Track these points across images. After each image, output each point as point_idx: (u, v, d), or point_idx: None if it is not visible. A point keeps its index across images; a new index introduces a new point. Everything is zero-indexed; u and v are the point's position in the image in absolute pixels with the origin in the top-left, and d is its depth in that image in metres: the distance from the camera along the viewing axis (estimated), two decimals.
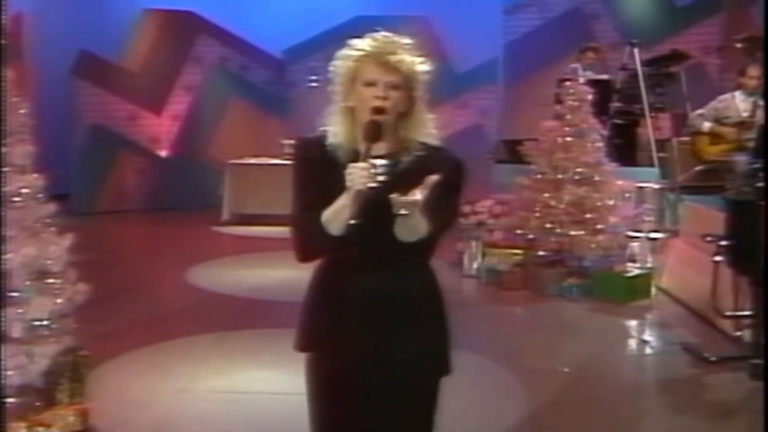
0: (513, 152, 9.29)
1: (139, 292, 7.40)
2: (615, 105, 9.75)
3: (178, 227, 10.87)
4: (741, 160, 6.76)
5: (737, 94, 7.91)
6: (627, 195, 7.95)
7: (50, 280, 4.14)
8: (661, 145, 9.22)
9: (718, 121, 7.93)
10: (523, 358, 5.82)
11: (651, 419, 4.89)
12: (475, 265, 7.83)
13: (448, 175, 2.42)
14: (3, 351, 3.89)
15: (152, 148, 12.19)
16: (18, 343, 3.96)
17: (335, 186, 2.37)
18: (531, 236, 7.66)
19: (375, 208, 2.31)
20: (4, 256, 3.95)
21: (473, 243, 7.89)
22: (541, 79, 11.39)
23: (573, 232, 7.49)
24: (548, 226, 7.57)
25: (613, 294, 7.18)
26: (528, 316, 7.16)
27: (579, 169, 7.59)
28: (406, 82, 2.45)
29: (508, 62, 12.80)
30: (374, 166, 2.32)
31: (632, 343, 6.46)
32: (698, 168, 8.26)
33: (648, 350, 6.23)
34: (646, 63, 9.56)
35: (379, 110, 2.42)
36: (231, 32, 12.55)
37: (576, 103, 7.74)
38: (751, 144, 6.74)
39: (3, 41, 4.16)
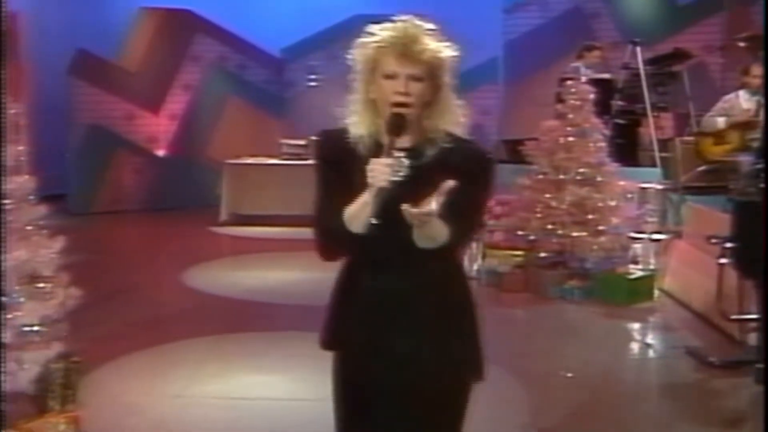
0: (514, 152, 9.22)
1: (135, 294, 7.32)
2: (617, 104, 9.69)
3: (176, 228, 10.80)
4: (745, 160, 6.69)
5: (741, 93, 7.85)
6: (629, 196, 7.87)
7: (41, 285, 4.06)
8: (664, 144, 9.17)
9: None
10: (524, 362, 5.73)
11: (654, 425, 4.82)
12: (475, 267, 7.75)
13: (474, 171, 2.33)
14: (3, 352, 3.81)
15: (150, 148, 12.11)
16: (8, 349, 3.88)
17: (358, 180, 2.27)
18: (532, 237, 7.59)
19: (397, 206, 2.19)
20: (3, 256, 3.87)
21: (473, 244, 7.81)
22: (541, 78, 11.33)
23: (575, 234, 7.42)
24: (549, 227, 7.50)
25: (616, 296, 7.10)
26: (529, 319, 7.08)
27: (581, 170, 7.52)
28: (429, 72, 2.32)
29: (509, 61, 12.74)
30: (398, 160, 2.21)
31: (635, 347, 6.38)
32: (701, 168, 8.19)
33: (651, 354, 6.16)
34: (648, 62, 9.51)
35: (400, 105, 2.30)
36: (229, 31, 12.47)
37: (578, 103, 7.66)
38: (756, 144, 6.68)
39: (3, 41, 4.09)
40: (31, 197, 4.16)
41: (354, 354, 2.49)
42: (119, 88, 11.80)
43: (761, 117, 7.42)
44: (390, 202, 2.21)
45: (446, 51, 2.36)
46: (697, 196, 7.84)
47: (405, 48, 2.30)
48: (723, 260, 5.61)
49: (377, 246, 2.35)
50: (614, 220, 7.52)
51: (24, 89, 10.19)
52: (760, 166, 5.40)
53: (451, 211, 2.21)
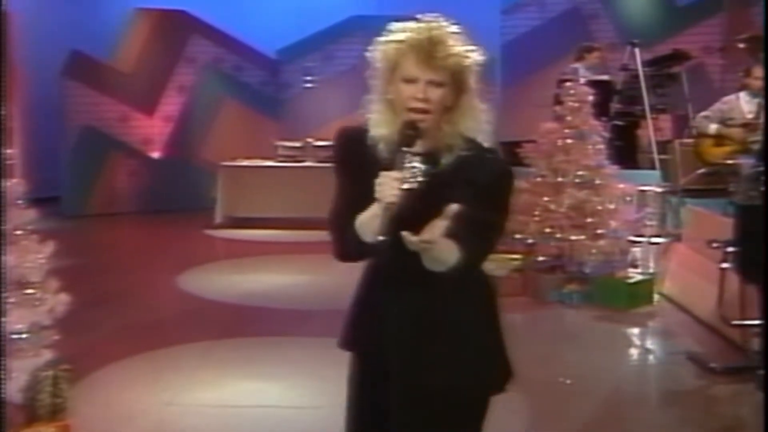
0: (511, 154, 9.13)
1: (128, 299, 7.24)
2: (615, 106, 9.63)
3: (170, 230, 10.73)
4: (746, 163, 6.61)
5: (742, 95, 7.76)
6: (628, 198, 7.81)
7: (30, 291, 3.97)
8: (663, 147, 9.11)
9: (723, 122, 7.78)
10: (522, 368, 5.59)
11: None
12: None
13: (492, 187, 2.21)
14: (3, 352, 3.74)
15: (144, 150, 12.05)
16: None
17: (375, 184, 2.14)
18: (530, 241, 7.51)
19: (409, 219, 2.08)
20: (4, 256, 3.79)
21: None
22: (539, 80, 11.28)
23: (573, 237, 7.34)
24: (548, 230, 7.42)
25: (615, 300, 7.02)
26: (527, 324, 6.99)
27: (579, 172, 7.44)
28: (452, 78, 2.19)
29: (506, 63, 12.66)
30: (410, 170, 2.10)
31: (635, 352, 6.32)
32: (701, 171, 8.12)
33: (651, 359, 6.10)
34: (647, 63, 9.46)
35: (417, 111, 2.18)
36: (224, 32, 12.42)
37: (576, 104, 7.59)
38: (757, 146, 6.60)
39: (3, 41, 4.01)
40: (20, 201, 4.07)
41: (364, 357, 2.43)
42: (113, 90, 11.75)
43: (761, 119, 7.35)
44: (400, 216, 2.10)
45: (472, 56, 2.22)
46: (696, 199, 7.76)
47: (427, 52, 2.18)
48: (725, 264, 5.54)
49: (391, 259, 2.25)
50: (613, 224, 7.44)
51: (17, 91, 10.12)
52: (761, 169, 5.33)
53: (464, 232, 2.09)
